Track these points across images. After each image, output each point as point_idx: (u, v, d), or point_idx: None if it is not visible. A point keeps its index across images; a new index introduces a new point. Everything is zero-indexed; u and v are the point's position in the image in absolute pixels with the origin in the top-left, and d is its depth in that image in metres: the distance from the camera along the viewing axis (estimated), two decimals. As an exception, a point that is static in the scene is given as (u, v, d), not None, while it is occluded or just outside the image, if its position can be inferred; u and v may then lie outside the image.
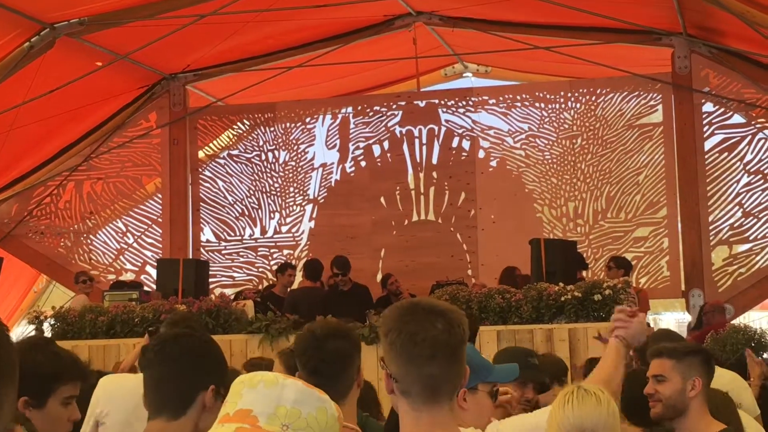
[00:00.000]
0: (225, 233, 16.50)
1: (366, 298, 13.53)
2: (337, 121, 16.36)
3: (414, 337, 2.93)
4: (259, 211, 16.43)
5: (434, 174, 15.84)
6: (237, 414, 2.20)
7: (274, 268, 15.36)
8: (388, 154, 16.06)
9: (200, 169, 16.70)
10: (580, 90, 15.53)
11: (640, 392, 5.06)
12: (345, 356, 4.12)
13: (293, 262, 15.53)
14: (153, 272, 15.22)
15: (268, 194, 16.44)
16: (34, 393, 3.86)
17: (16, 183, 16.14)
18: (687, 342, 5.50)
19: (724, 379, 6.07)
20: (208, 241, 16.55)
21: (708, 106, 14.79)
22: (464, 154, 15.81)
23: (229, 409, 2.23)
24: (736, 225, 14.52)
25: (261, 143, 16.57)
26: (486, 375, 4.48)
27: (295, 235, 16.29)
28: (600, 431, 3.97)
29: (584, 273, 13.24)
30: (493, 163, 15.70)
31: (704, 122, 14.76)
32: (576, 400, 4.00)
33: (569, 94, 15.55)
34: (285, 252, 16.15)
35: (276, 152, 16.49)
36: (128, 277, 15.96)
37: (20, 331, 16.54)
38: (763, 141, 14.56)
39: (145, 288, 14.12)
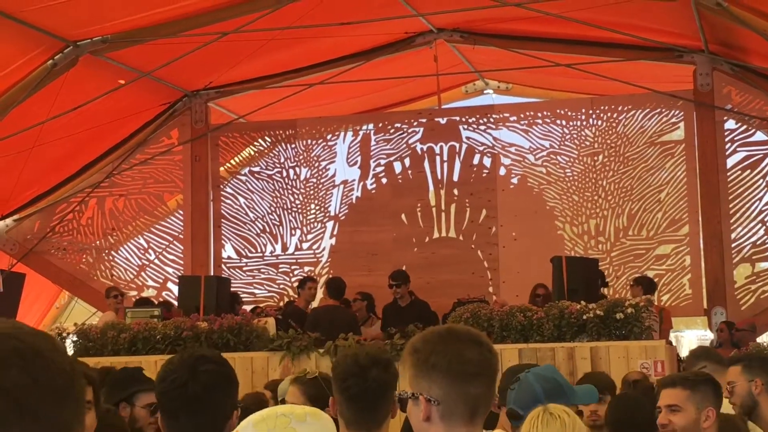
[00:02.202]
0: (246, 250, 16.52)
1: (425, 314, 13.37)
2: (358, 137, 16.38)
3: (461, 357, 2.96)
4: (280, 227, 16.44)
5: (455, 191, 15.84)
6: None
7: (296, 284, 15.40)
8: (409, 171, 16.06)
9: (222, 186, 16.73)
10: (602, 107, 15.51)
11: (625, 416, 5.05)
12: (387, 386, 4.09)
13: (314, 277, 15.59)
14: (174, 289, 15.25)
15: (289, 211, 16.45)
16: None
17: (39, 199, 16.21)
18: (700, 371, 5.42)
19: None
20: (229, 257, 16.57)
21: (730, 124, 14.76)
22: (485, 171, 15.80)
23: None
24: (758, 243, 14.47)
25: (282, 160, 16.59)
26: (572, 398, 4.54)
27: (316, 251, 16.29)
28: None
29: (604, 290, 13.18)
30: (514, 180, 15.69)
31: (726, 139, 14.71)
32: (541, 425, 3.96)
33: (590, 111, 15.54)
34: (306, 269, 16.15)
35: (297, 169, 16.51)
36: (150, 293, 16.00)
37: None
38: (785, 158, 14.56)
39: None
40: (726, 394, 5.83)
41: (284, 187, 16.51)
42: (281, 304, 15.30)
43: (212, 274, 15.63)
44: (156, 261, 16.65)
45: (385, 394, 4.18)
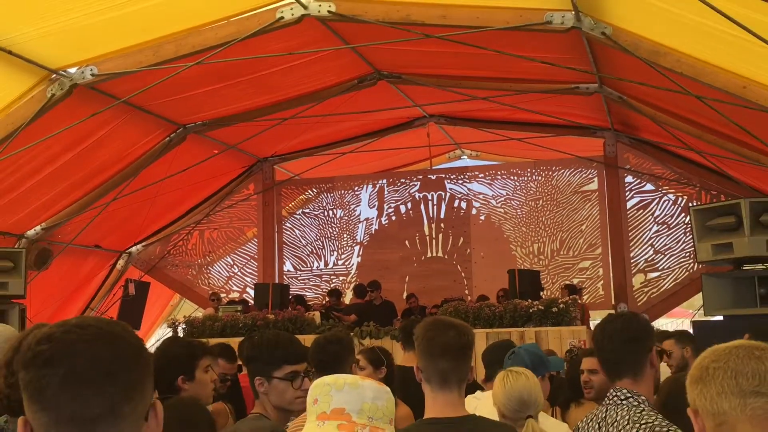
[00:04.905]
0: (300, 265, 16.54)
1: (392, 310, 13.49)
2: (376, 189, 16.42)
3: (431, 341, 2.96)
4: (323, 250, 16.46)
5: (442, 225, 15.85)
6: (333, 412, 2.02)
7: (325, 290, 15.40)
8: (411, 212, 16.09)
9: (283, 222, 16.78)
10: (541, 167, 15.54)
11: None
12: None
13: (346, 285, 15.65)
14: (251, 292, 15.27)
15: (329, 239, 16.48)
16: (185, 370, 3.85)
17: (159, 232, 16.28)
18: None
19: None
20: (288, 271, 16.59)
21: (629, 178, 14.76)
22: (462, 211, 15.82)
23: (324, 407, 2.03)
24: (649, 259, 14.44)
25: (324, 204, 16.64)
26: (549, 367, 4.48)
27: (348, 266, 16.31)
28: (534, 400, 3.85)
29: (542, 294, 13.12)
30: (482, 218, 15.70)
31: (626, 189, 14.72)
32: (513, 380, 3.84)
33: (533, 170, 15.56)
34: (340, 278, 16.18)
35: (334, 210, 16.56)
36: (234, 296, 16.03)
37: (162, 332, 16.63)
38: (666, 202, 14.51)
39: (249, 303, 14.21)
40: (664, 359, 5.82)
41: (326, 222, 16.55)
42: (324, 302, 15.30)
43: (277, 282, 15.65)
44: (238, 273, 16.67)
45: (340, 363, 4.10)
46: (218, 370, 5.91)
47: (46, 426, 1.31)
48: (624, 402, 3.03)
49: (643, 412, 2.97)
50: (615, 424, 3.00)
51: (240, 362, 6.24)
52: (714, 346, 1.87)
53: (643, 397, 3.04)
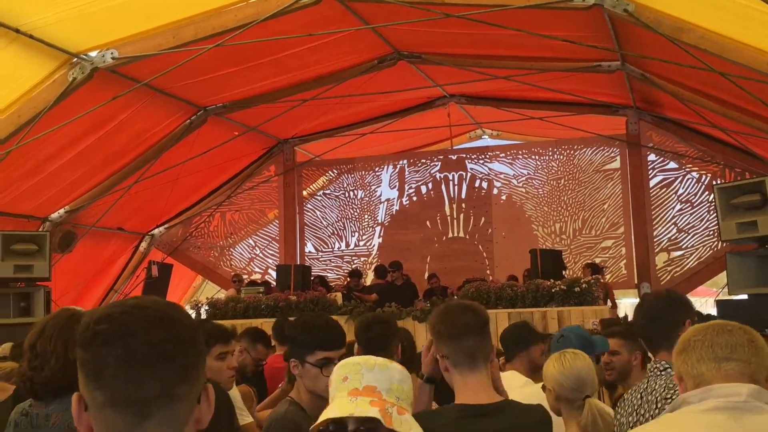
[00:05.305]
0: (322, 246, 16.59)
1: (414, 290, 13.52)
2: (397, 169, 16.41)
3: (453, 322, 2.95)
4: (344, 231, 16.50)
5: (463, 205, 15.83)
6: (365, 389, 2.09)
7: (346, 271, 15.41)
8: (432, 192, 16.07)
9: (304, 203, 16.82)
10: (563, 146, 15.46)
11: None
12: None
13: (368, 266, 15.67)
14: (273, 273, 15.34)
15: (350, 220, 16.51)
16: None
17: (181, 214, 16.36)
18: (627, 327, 5.35)
19: None
20: (310, 252, 16.64)
21: (651, 157, 14.67)
22: (483, 191, 15.79)
23: (356, 384, 2.10)
24: (672, 238, 14.36)
25: (345, 185, 16.66)
26: (596, 348, 4.54)
27: (369, 247, 16.34)
28: (592, 380, 3.87)
29: (564, 273, 13.11)
30: (503, 197, 15.67)
31: (649, 167, 14.64)
32: (572, 358, 3.88)
33: (555, 149, 15.49)
34: (362, 259, 16.21)
35: (355, 191, 16.57)
36: (256, 277, 16.10)
37: (184, 313, 16.76)
38: (690, 180, 14.41)
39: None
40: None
41: (346, 203, 16.57)
42: (346, 282, 15.35)
43: (299, 263, 15.71)
44: (260, 255, 16.75)
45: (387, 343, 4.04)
46: (255, 355, 5.94)
47: (101, 405, 1.32)
48: (663, 373, 3.33)
49: None
50: (653, 392, 3.26)
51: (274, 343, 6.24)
52: (695, 325, 2.28)
53: None
